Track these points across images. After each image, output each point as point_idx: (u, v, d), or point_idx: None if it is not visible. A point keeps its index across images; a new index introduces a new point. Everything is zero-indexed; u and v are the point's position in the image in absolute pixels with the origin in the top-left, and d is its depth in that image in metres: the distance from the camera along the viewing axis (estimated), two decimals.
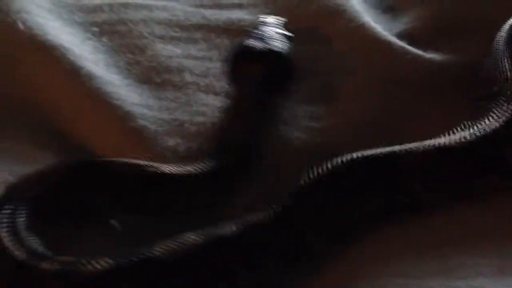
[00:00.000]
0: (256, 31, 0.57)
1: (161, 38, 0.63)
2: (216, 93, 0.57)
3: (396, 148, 0.50)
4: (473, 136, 0.50)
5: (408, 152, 0.49)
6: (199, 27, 0.65)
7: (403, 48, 0.60)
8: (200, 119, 0.54)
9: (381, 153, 0.49)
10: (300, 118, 0.55)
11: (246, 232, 0.42)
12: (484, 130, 0.50)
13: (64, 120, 0.56)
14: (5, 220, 0.40)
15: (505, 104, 0.52)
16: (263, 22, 0.59)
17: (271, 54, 0.54)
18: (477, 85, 0.59)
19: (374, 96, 0.57)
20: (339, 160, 0.48)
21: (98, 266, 0.37)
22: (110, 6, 0.67)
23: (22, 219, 0.41)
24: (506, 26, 0.61)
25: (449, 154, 0.49)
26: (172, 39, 0.63)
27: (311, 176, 0.47)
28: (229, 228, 0.42)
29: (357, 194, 0.48)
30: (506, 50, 0.58)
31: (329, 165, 0.48)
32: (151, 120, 0.53)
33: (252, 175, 0.50)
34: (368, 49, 0.61)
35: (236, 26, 0.65)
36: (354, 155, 0.49)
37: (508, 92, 0.53)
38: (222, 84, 0.57)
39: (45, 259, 0.38)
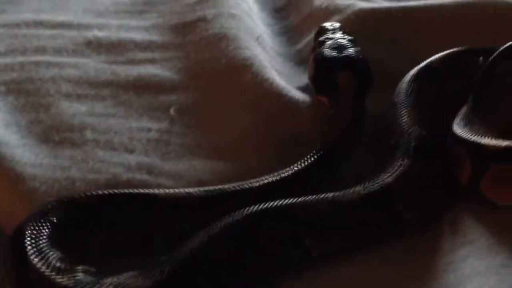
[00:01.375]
0: (329, 42, 0.62)
1: (68, 96, 0.63)
2: (114, 149, 0.57)
3: (292, 201, 0.49)
4: (366, 190, 0.50)
5: (303, 205, 0.49)
6: (108, 83, 0.66)
7: (303, 102, 0.62)
8: (93, 176, 0.53)
9: (277, 206, 0.49)
10: (197, 171, 0.56)
11: None
12: (377, 184, 0.50)
13: None
14: (31, 238, 0.45)
15: (400, 158, 0.52)
16: (329, 29, 0.64)
17: (359, 62, 0.60)
18: (380, 137, 0.60)
19: (273, 150, 0.58)
20: (234, 217, 0.47)
21: None
22: (22, 64, 0.68)
23: (45, 238, 0.45)
24: (406, 78, 0.62)
25: (342, 208, 0.49)
26: (79, 97, 0.64)
27: (205, 235, 0.46)
28: None
29: (251, 250, 0.47)
30: (405, 102, 0.59)
31: (224, 222, 0.47)
32: (42, 181, 0.52)
33: None
34: (271, 104, 0.62)
35: (146, 81, 0.67)
36: (251, 209, 0.48)
37: (403, 146, 0.54)
38: (122, 139, 0.58)
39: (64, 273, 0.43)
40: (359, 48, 0.61)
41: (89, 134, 0.58)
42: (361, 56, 0.60)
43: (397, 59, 0.67)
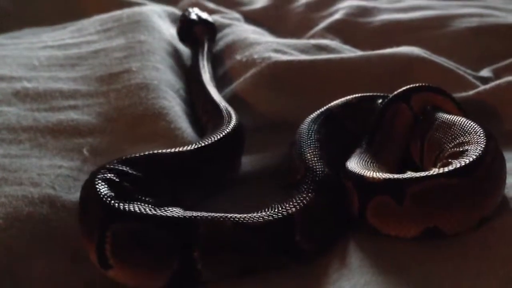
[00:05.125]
0: (191, 13, 1.01)
1: None
2: (21, 184, 0.58)
3: (194, 214, 0.50)
4: (270, 217, 0.51)
5: (207, 220, 0.49)
6: (28, 128, 0.69)
7: None
8: None
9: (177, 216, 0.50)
10: None
11: None
12: (281, 213, 0.52)
13: None
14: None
15: (305, 192, 0.55)
16: (191, 10, 1.02)
17: (209, 22, 0.99)
18: (285, 173, 0.63)
19: None
20: None
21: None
22: None
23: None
24: (307, 120, 0.67)
25: (244, 230, 0.50)
26: None
27: None
28: None
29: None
30: (307, 142, 0.63)
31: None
32: None
33: None
34: None
35: (64, 125, 0.70)
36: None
37: (308, 181, 0.56)
38: (30, 175, 0.60)
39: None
40: (209, 15, 1.02)
41: None
42: (209, 18, 1.01)
43: (307, 107, 0.72)
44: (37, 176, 0.60)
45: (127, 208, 0.49)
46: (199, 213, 0.50)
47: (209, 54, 0.92)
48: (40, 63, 0.86)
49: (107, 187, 0.52)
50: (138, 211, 0.49)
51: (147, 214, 0.49)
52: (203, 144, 0.62)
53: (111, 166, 0.55)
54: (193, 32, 0.95)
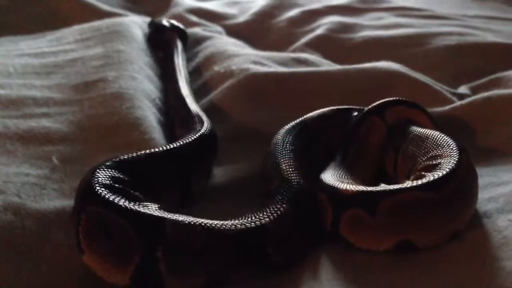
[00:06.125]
0: (164, 20, 1.07)
1: None
2: None
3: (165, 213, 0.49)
4: (243, 226, 0.50)
5: (174, 223, 0.48)
6: None
7: None
8: None
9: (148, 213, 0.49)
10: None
11: None
12: (254, 223, 0.50)
13: None
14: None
15: (279, 202, 0.54)
16: (163, 19, 1.09)
17: (180, 28, 1.05)
18: (259, 184, 0.63)
19: None
20: None
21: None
22: None
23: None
24: (281, 131, 0.67)
25: (214, 237, 0.48)
26: None
27: None
28: None
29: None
30: (282, 153, 0.63)
31: None
32: None
33: None
34: None
35: (35, 132, 0.68)
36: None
37: (282, 191, 0.55)
38: None
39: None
40: (179, 24, 1.08)
41: None
42: (181, 26, 1.07)
43: (284, 119, 0.71)
44: (2, 183, 0.58)
45: (102, 194, 0.49)
46: (171, 214, 0.49)
47: (184, 56, 0.95)
48: (15, 70, 0.85)
49: (104, 175, 0.52)
50: (111, 199, 0.49)
51: (117, 204, 0.49)
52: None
53: (121, 158, 0.56)
54: (165, 37, 1.00)
